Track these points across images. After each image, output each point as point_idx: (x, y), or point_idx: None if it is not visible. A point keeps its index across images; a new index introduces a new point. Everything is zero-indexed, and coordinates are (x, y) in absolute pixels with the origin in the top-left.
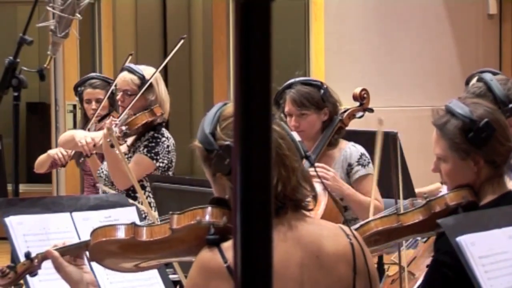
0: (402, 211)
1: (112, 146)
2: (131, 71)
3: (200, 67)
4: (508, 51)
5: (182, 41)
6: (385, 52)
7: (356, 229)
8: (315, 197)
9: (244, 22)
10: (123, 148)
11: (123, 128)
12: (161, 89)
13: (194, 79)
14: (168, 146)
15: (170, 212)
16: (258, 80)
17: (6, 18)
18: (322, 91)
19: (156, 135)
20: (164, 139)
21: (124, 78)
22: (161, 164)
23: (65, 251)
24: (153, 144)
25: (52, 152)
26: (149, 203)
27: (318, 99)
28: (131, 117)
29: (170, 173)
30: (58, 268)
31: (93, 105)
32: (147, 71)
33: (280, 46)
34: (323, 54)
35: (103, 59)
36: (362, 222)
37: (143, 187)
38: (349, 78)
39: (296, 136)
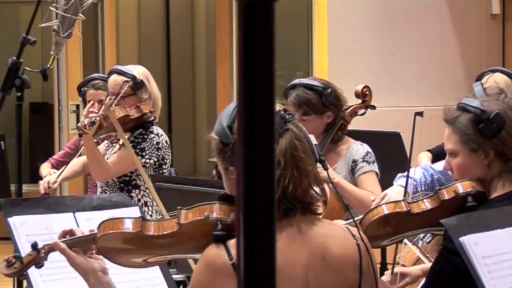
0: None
1: (80, 135)
2: (120, 73)
3: (203, 67)
4: (511, 51)
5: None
6: (388, 52)
7: (365, 215)
8: (325, 202)
9: (247, 22)
10: (116, 146)
11: (93, 119)
12: (153, 86)
13: (197, 79)
14: (158, 143)
15: (179, 207)
16: (261, 80)
17: (9, 18)
18: (324, 96)
19: (143, 132)
20: (152, 136)
21: (115, 81)
22: (148, 161)
23: (73, 243)
24: (139, 140)
25: (42, 180)
26: (145, 202)
27: (319, 105)
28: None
29: (165, 170)
30: (67, 259)
31: (96, 106)
32: (136, 69)
33: (283, 46)
34: (326, 53)
35: (106, 59)
36: (371, 207)
37: (137, 186)
38: (352, 78)
39: (313, 139)
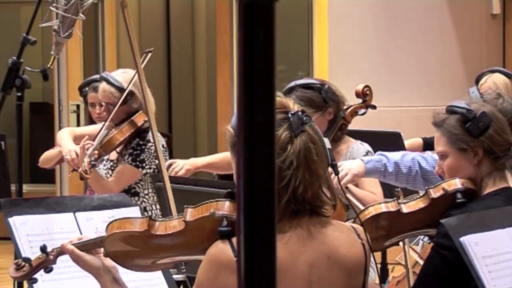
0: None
1: (81, 178)
2: (109, 82)
3: (204, 68)
4: (511, 51)
5: (149, 55)
6: (388, 52)
7: (356, 217)
8: (334, 206)
9: (247, 22)
10: (113, 155)
11: (92, 158)
12: (145, 92)
13: (198, 79)
14: (155, 151)
15: (185, 206)
16: (261, 81)
17: (10, 18)
18: (323, 92)
19: (141, 142)
20: (150, 144)
21: (104, 90)
22: (148, 170)
23: (81, 246)
24: (138, 152)
25: (66, 156)
26: (145, 207)
27: (320, 102)
28: (107, 137)
29: None
30: (76, 260)
31: (97, 109)
32: (126, 77)
33: (283, 46)
34: (326, 54)
35: (107, 59)
36: (363, 208)
37: (136, 194)
38: (353, 78)
39: (327, 143)
